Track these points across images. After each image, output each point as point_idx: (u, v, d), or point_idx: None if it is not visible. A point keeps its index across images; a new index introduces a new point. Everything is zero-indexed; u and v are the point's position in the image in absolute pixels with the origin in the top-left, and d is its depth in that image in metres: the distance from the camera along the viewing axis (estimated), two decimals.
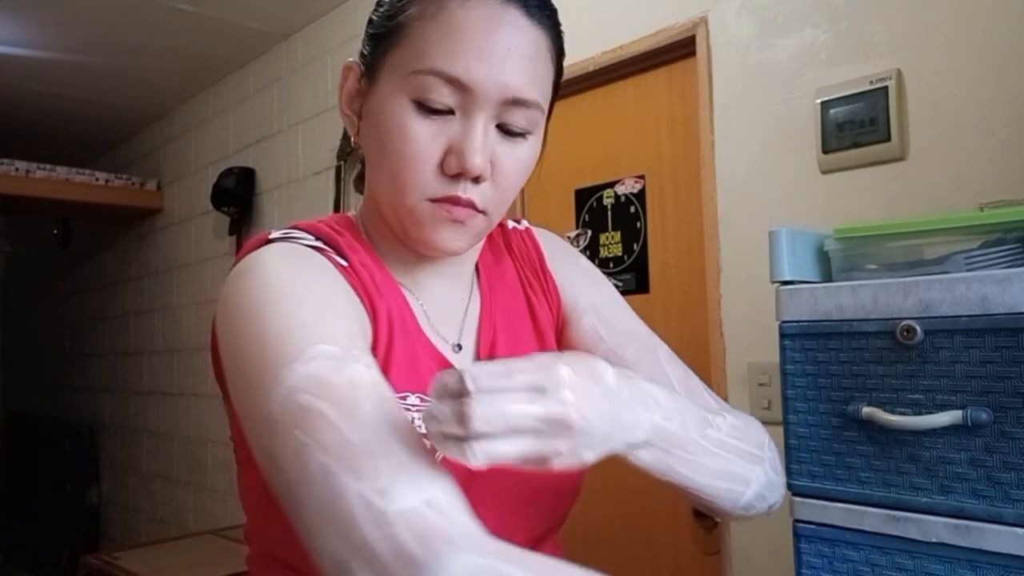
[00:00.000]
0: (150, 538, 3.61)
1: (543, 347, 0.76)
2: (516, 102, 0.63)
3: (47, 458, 4.56)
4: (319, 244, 0.66)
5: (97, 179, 3.66)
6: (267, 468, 0.52)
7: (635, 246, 1.89)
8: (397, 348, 0.65)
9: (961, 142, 1.32)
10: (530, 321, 0.77)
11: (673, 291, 1.80)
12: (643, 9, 1.80)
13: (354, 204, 2.59)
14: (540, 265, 0.81)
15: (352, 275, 0.65)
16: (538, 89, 0.64)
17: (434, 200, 0.63)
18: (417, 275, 0.72)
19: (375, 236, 0.72)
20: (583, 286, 0.81)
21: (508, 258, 0.81)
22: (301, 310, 0.57)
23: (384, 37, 0.66)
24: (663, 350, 0.78)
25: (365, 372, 0.53)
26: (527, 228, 0.84)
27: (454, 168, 0.62)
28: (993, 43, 1.29)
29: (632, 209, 1.90)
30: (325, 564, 0.46)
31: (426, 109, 0.62)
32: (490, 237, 0.81)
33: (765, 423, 1.27)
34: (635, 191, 1.89)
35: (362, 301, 0.64)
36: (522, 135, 0.65)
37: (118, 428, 4.19)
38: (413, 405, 0.63)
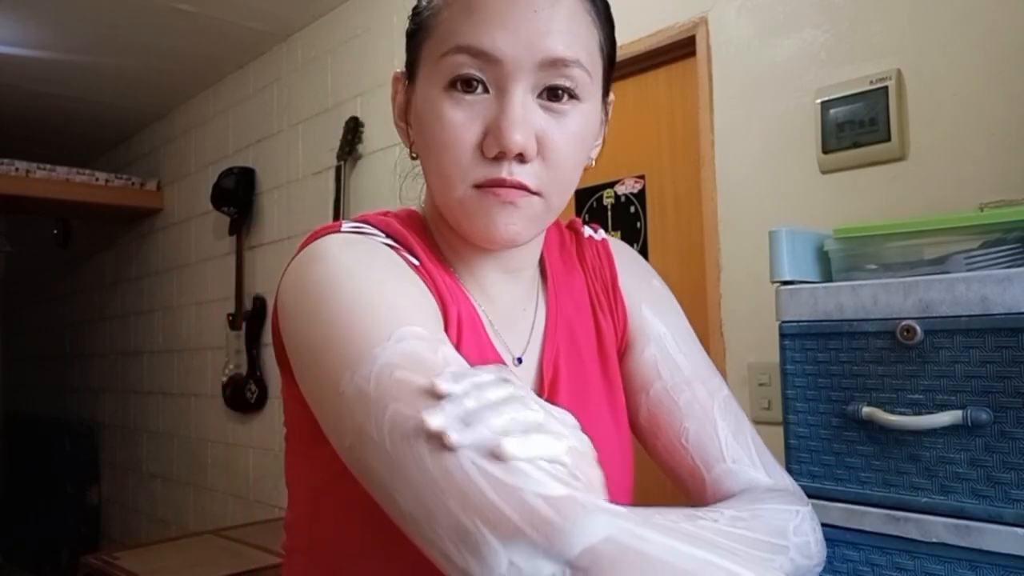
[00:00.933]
0: (150, 538, 3.61)
1: (606, 370, 0.74)
2: (552, 63, 0.58)
3: (47, 458, 4.56)
4: (390, 242, 0.63)
5: (97, 179, 3.66)
6: (354, 446, 0.49)
7: (635, 246, 1.89)
8: (466, 353, 0.61)
9: (961, 142, 1.32)
10: (595, 341, 0.74)
11: (673, 291, 1.80)
12: (643, 9, 1.80)
13: (354, 204, 2.59)
14: (612, 282, 0.77)
15: (424, 274, 0.63)
16: (577, 46, 0.59)
17: (479, 186, 0.60)
18: (480, 278, 0.69)
19: (437, 236, 0.69)
20: (652, 313, 0.77)
21: (579, 270, 0.77)
22: (385, 294, 0.55)
23: (416, 34, 0.64)
24: (719, 398, 0.73)
25: (456, 354, 0.52)
26: (604, 240, 0.80)
27: (493, 148, 0.58)
28: (993, 43, 1.29)
29: (632, 209, 1.90)
30: (441, 536, 0.44)
31: (459, 91, 0.59)
32: (562, 243, 0.78)
33: (765, 423, 1.28)
34: (635, 191, 1.89)
35: (435, 298, 0.62)
36: (569, 102, 0.60)
37: (118, 428, 4.19)
38: None
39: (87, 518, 4.26)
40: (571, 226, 0.80)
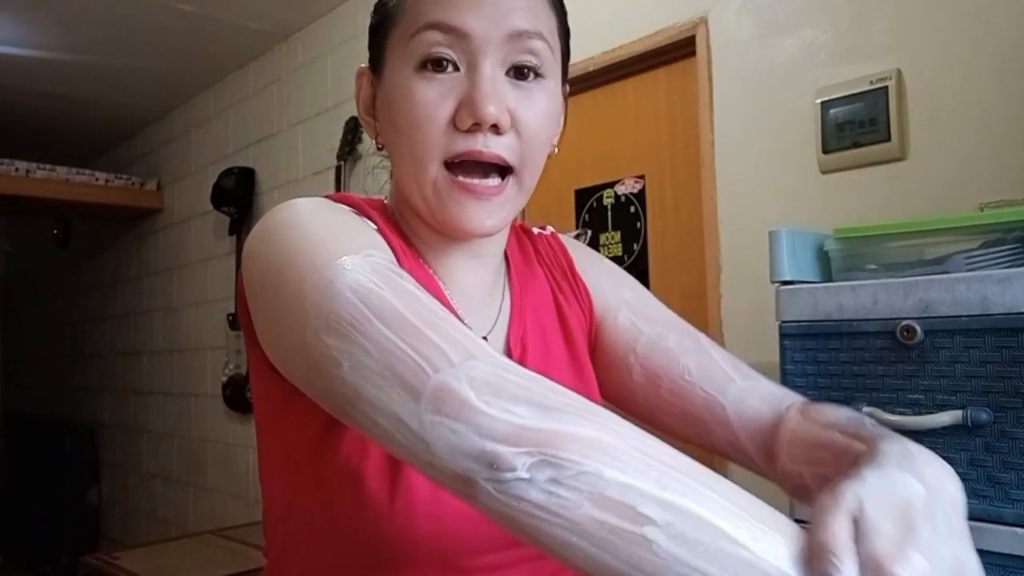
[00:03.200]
0: (150, 538, 3.61)
1: (573, 356, 0.74)
2: (518, 35, 0.60)
3: (47, 458, 4.56)
4: (350, 209, 0.64)
5: (97, 179, 3.66)
6: (317, 334, 0.49)
7: (635, 246, 1.89)
8: None
9: (961, 142, 1.32)
10: (559, 325, 0.76)
11: (673, 291, 1.80)
12: (643, 9, 1.80)
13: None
14: (569, 268, 0.79)
15: (384, 240, 0.63)
16: (540, 20, 0.62)
17: (453, 163, 0.60)
18: (448, 264, 0.69)
19: (404, 227, 0.70)
20: (612, 284, 0.79)
21: (537, 263, 0.79)
22: (347, 228, 0.56)
23: (381, 24, 0.66)
24: (703, 336, 0.76)
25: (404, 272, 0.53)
26: (552, 233, 0.82)
27: (467, 120, 0.59)
28: (993, 43, 1.29)
29: (632, 209, 1.90)
30: (381, 422, 0.45)
31: (429, 69, 0.60)
32: (519, 242, 0.79)
33: None
34: (635, 191, 1.89)
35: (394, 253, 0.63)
36: (535, 80, 0.62)
37: (118, 428, 4.19)
38: None
39: (87, 518, 4.25)
40: (522, 228, 0.83)
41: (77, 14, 2.73)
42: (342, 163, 2.58)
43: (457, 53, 0.59)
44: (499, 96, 0.59)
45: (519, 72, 0.61)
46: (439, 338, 0.46)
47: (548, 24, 0.63)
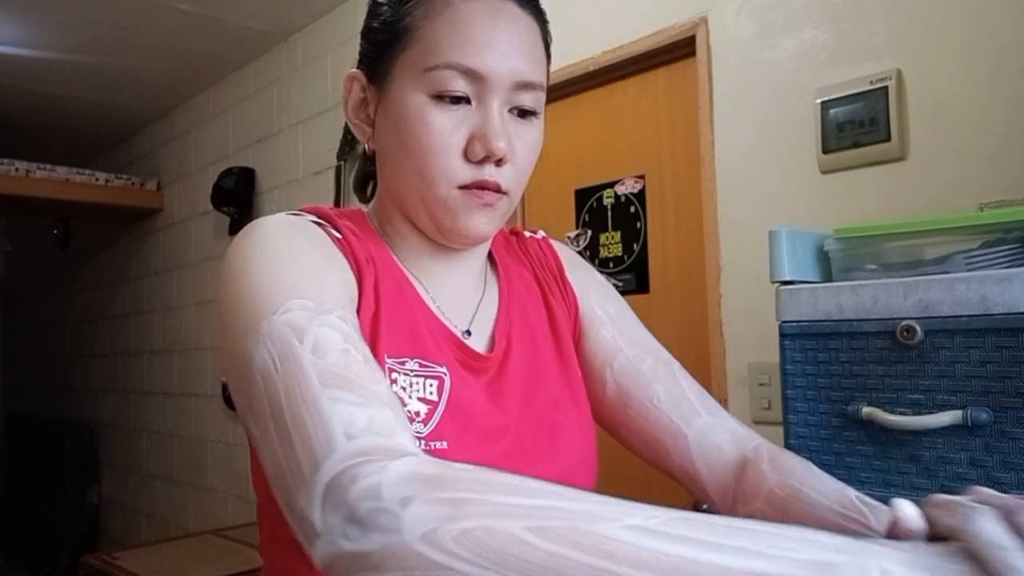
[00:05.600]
0: (150, 538, 3.61)
1: (560, 349, 0.77)
2: (525, 85, 0.67)
3: (47, 458, 4.56)
4: (318, 220, 0.68)
5: (97, 179, 3.66)
6: (242, 411, 0.54)
7: (635, 246, 1.89)
8: (392, 314, 0.67)
9: (961, 142, 1.32)
10: (548, 323, 0.79)
11: (673, 291, 1.80)
12: (643, 9, 1.80)
13: (354, 204, 2.59)
14: (559, 272, 0.83)
15: (344, 245, 0.67)
16: (539, 71, 0.69)
17: (463, 188, 0.66)
18: (431, 268, 0.73)
19: (389, 231, 0.74)
20: (599, 297, 0.83)
21: (526, 263, 0.83)
22: (283, 270, 0.60)
23: (391, 42, 0.69)
24: (676, 365, 0.79)
25: (337, 321, 0.55)
26: (544, 237, 0.86)
27: (479, 153, 0.65)
28: (993, 43, 1.29)
29: (632, 209, 1.90)
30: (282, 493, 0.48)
31: (444, 101, 0.65)
32: (507, 243, 0.84)
33: (765, 423, 1.28)
34: (635, 191, 1.89)
35: (351, 267, 0.66)
36: (532, 116, 0.69)
37: (118, 428, 4.19)
38: (412, 370, 0.65)
39: (87, 518, 4.25)
40: (512, 231, 0.86)
41: (77, 14, 2.73)
42: (342, 163, 2.58)
43: (471, 89, 0.65)
44: (506, 133, 0.66)
45: (520, 112, 0.68)
46: (299, 444, 0.48)
47: (543, 67, 0.70)
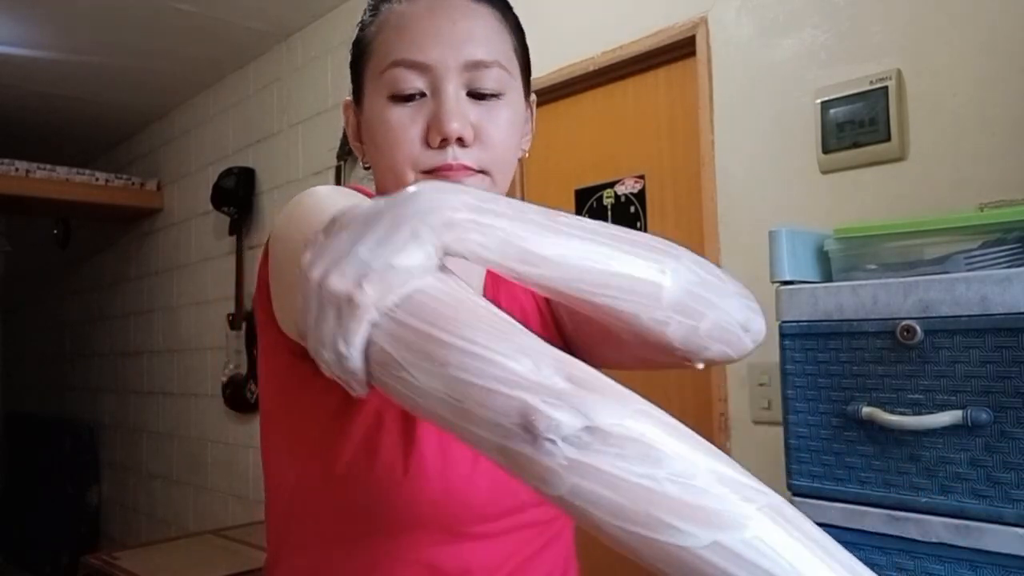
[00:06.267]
0: (150, 538, 3.61)
1: (544, 326, 0.78)
2: (475, 64, 0.67)
3: (47, 458, 4.56)
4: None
5: (97, 179, 3.66)
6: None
7: None
8: None
9: (961, 142, 1.32)
10: (534, 300, 0.80)
11: None
12: (643, 9, 1.80)
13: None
14: None
15: None
16: (494, 51, 0.69)
17: (428, 172, 0.67)
18: None
19: None
20: None
21: None
22: (351, 203, 0.59)
23: (357, 60, 0.72)
24: None
25: None
26: None
27: (436, 138, 0.66)
28: (993, 43, 1.29)
29: (632, 209, 1.90)
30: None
31: (400, 98, 0.67)
32: None
33: (765, 423, 1.27)
34: (635, 191, 1.89)
35: None
36: (495, 96, 0.68)
37: (118, 428, 4.19)
38: None
39: (87, 518, 4.25)
40: None
41: (77, 14, 2.73)
42: (342, 163, 2.58)
43: (423, 82, 0.67)
44: (462, 114, 0.66)
45: (479, 94, 0.68)
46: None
47: (503, 48, 0.70)
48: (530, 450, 0.39)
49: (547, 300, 0.81)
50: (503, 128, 0.69)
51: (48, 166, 3.49)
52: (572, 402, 0.39)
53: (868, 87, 1.40)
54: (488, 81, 0.68)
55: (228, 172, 3.17)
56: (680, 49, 1.76)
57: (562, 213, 0.52)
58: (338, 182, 2.56)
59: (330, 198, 0.61)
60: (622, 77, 1.91)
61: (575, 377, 0.41)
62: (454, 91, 0.66)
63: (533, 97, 0.77)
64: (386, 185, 0.70)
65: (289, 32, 2.95)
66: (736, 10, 1.63)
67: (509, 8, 0.74)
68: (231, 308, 3.12)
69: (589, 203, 1.98)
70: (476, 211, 0.47)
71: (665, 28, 1.75)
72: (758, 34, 1.60)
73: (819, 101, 1.47)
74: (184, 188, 3.68)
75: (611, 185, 1.94)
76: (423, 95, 0.67)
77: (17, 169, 3.40)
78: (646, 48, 1.79)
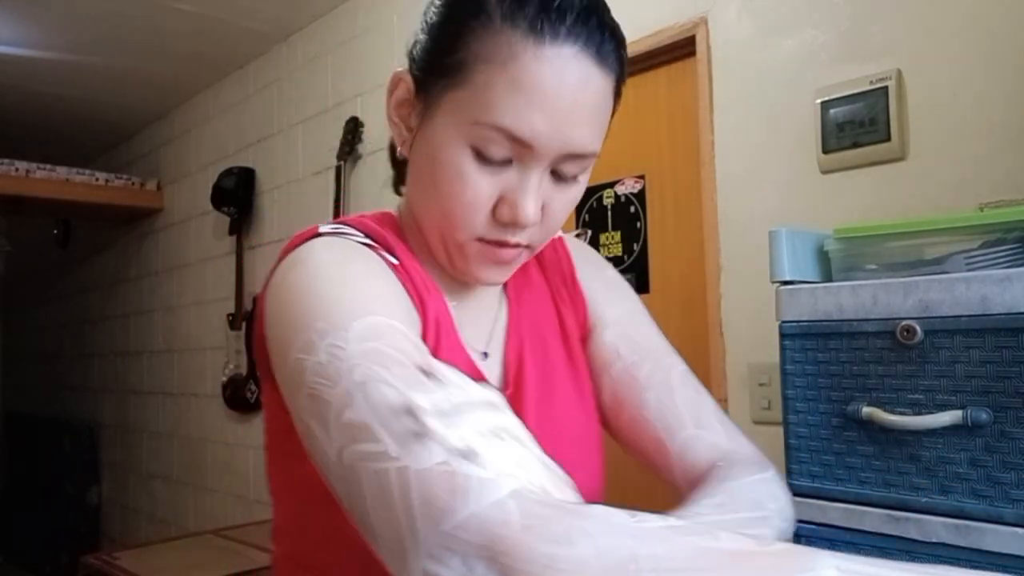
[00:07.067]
0: (150, 538, 3.61)
1: (571, 358, 0.76)
2: (573, 156, 0.62)
3: (47, 458, 4.56)
4: (369, 242, 0.66)
5: (97, 179, 3.66)
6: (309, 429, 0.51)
7: (635, 246, 1.89)
8: (442, 351, 0.65)
9: (961, 142, 1.32)
10: (559, 330, 0.77)
11: (673, 291, 1.80)
12: (643, 9, 1.80)
13: (354, 204, 2.59)
14: (570, 276, 0.81)
15: (403, 273, 0.65)
16: (596, 140, 0.63)
17: (483, 240, 0.64)
18: (452, 283, 0.72)
19: (414, 244, 0.72)
20: (609, 299, 0.81)
21: (538, 268, 0.80)
22: (361, 290, 0.57)
23: (444, 72, 0.62)
24: (677, 371, 0.76)
25: (416, 338, 0.54)
26: (559, 237, 0.83)
27: (507, 218, 0.62)
28: (993, 43, 1.29)
29: (632, 209, 1.90)
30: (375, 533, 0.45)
31: (485, 159, 0.61)
32: None
33: (765, 423, 1.27)
34: (635, 191, 1.89)
35: (412, 299, 0.64)
36: (574, 179, 0.65)
37: (118, 428, 4.19)
38: None
39: (87, 518, 4.25)
40: None
41: (77, 14, 2.73)
42: (342, 163, 2.58)
43: (515, 152, 0.61)
44: (539, 200, 0.63)
45: (562, 176, 0.64)
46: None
47: (600, 133, 0.64)
48: None
49: (583, 334, 0.79)
50: (568, 207, 0.66)
51: (48, 166, 3.49)
52: None
53: (868, 87, 1.40)
54: (576, 170, 0.64)
55: (228, 172, 3.17)
56: (680, 49, 1.76)
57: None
58: (338, 182, 2.56)
59: (322, 280, 0.58)
60: None
61: (508, 569, 0.38)
62: (540, 175, 0.62)
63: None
64: (429, 220, 0.66)
65: (289, 32, 2.95)
66: (736, 10, 1.63)
67: (625, 68, 0.65)
68: (231, 308, 3.12)
69: (589, 203, 1.98)
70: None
71: (665, 28, 1.75)
72: (758, 34, 1.60)
73: (819, 101, 1.47)
74: (184, 188, 3.68)
75: (611, 185, 1.94)
76: (510, 163, 0.61)
77: (17, 169, 3.40)
78: (646, 48, 1.79)
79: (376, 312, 0.54)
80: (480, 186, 0.61)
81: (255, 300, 3.04)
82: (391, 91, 0.68)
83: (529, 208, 0.61)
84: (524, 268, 0.79)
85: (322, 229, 0.65)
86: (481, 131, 0.59)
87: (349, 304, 0.54)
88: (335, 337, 0.51)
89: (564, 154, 0.61)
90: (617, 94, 0.65)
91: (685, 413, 0.72)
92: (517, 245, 0.65)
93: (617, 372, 0.76)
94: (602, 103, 0.62)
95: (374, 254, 0.64)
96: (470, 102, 0.60)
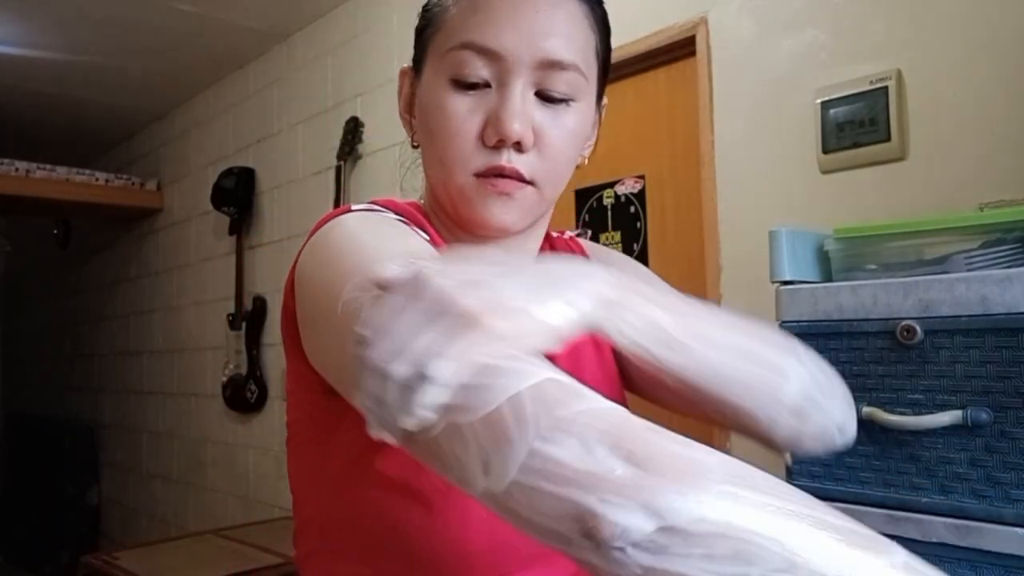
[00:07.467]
0: (150, 538, 3.61)
1: (598, 349, 0.75)
2: (551, 64, 0.61)
3: (47, 458, 4.56)
4: (401, 219, 0.65)
5: (97, 179, 3.66)
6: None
7: (635, 246, 1.89)
8: None
9: (961, 142, 1.32)
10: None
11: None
12: (643, 9, 1.80)
13: (356, 203, 2.59)
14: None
15: (435, 247, 0.65)
16: (574, 51, 0.63)
17: (479, 175, 0.63)
18: None
19: (438, 225, 0.71)
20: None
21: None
22: (399, 243, 0.57)
23: (424, 29, 0.67)
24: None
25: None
26: (572, 236, 0.84)
27: (493, 137, 0.61)
28: (993, 43, 1.29)
29: (632, 209, 1.90)
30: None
31: (463, 85, 0.62)
32: (549, 246, 0.81)
33: None
34: (635, 191, 1.89)
35: None
36: (564, 101, 0.63)
37: (118, 428, 4.19)
38: None
39: (87, 518, 4.26)
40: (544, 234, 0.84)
41: (77, 14, 2.73)
42: (342, 163, 2.58)
43: (489, 71, 0.61)
44: (525, 115, 0.61)
45: (548, 97, 0.63)
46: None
47: (585, 47, 0.64)
48: (596, 559, 0.33)
49: None
50: (566, 137, 0.64)
51: (48, 166, 3.49)
52: (638, 497, 0.32)
53: (868, 87, 1.40)
54: (561, 84, 0.62)
55: (228, 172, 3.17)
56: (680, 49, 1.76)
57: (694, 300, 0.51)
58: (338, 182, 2.56)
59: (363, 234, 0.57)
60: (622, 77, 1.90)
61: (635, 455, 0.34)
62: (521, 88, 0.61)
63: (605, 100, 0.72)
64: (435, 175, 0.66)
65: (289, 32, 2.95)
66: (736, 10, 1.63)
67: (599, 2, 0.67)
68: (231, 308, 3.12)
69: (589, 203, 1.98)
70: (625, 289, 0.44)
71: (665, 28, 1.75)
72: (758, 34, 1.60)
73: (819, 101, 1.47)
74: (184, 188, 3.68)
75: (611, 185, 1.94)
76: (487, 85, 0.61)
77: (17, 169, 3.40)
78: (646, 48, 1.79)
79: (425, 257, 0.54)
80: (461, 112, 0.62)
81: (255, 300, 3.04)
82: (400, 89, 0.71)
83: (512, 119, 0.60)
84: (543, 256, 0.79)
85: (354, 207, 0.65)
86: (453, 56, 0.62)
87: (400, 250, 0.53)
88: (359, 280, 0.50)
89: (538, 61, 0.61)
90: (599, 28, 0.66)
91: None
92: (516, 174, 0.62)
93: None
94: (571, 19, 0.63)
95: (408, 227, 0.64)
96: (443, 39, 0.63)
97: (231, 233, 3.16)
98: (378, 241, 0.56)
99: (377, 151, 2.54)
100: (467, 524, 0.57)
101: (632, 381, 0.77)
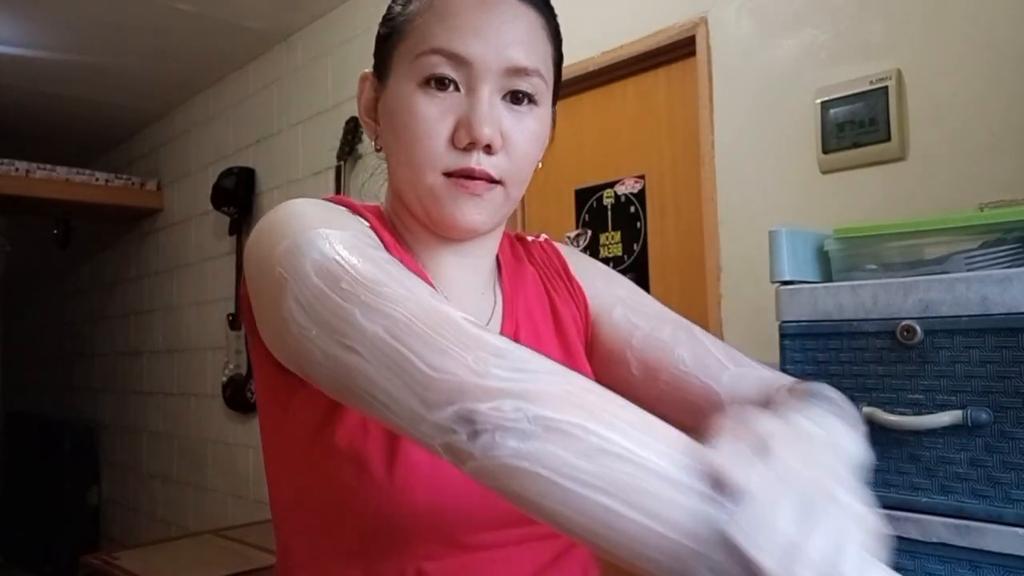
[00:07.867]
0: (150, 538, 3.61)
1: (564, 345, 0.77)
2: (517, 71, 0.65)
3: (47, 458, 4.56)
4: (344, 209, 0.68)
5: (97, 179, 3.66)
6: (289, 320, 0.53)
7: (635, 246, 1.89)
8: None
9: (961, 142, 1.32)
10: (552, 320, 0.78)
11: (673, 292, 1.80)
12: (643, 9, 1.80)
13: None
14: (564, 270, 0.82)
15: (375, 234, 0.67)
16: (536, 59, 0.67)
17: (449, 175, 0.65)
18: (443, 265, 0.73)
19: (400, 227, 0.73)
20: (606, 284, 0.82)
21: (529, 265, 0.82)
22: (327, 218, 0.60)
23: (390, 36, 0.69)
24: (696, 328, 0.78)
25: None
26: (547, 240, 0.86)
27: (464, 140, 0.64)
28: (993, 43, 1.29)
29: (632, 209, 1.90)
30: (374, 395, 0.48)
31: (432, 88, 0.65)
32: (512, 247, 0.83)
33: None
34: (635, 191, 1.89)
35: None
36: (528, 105, 0.67)
37: (118, 428, 4.19)
38: None
39: (87, 518, 4.25)
40: (517, 236, 0.86)
41: (77, 14, 2.73)
42: (342, 163, 2.58)
43: (459, 76, 0.65)
44: (494, 119, 0.65)
45: (514, 98, 0.67)
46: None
47: (544, 56, 0.68)
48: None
49: (587, 322, 0.80)
50: (530, 139, 0.67)
51: (48, 166, 3.49)
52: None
53: (868, 87, 1.40)
54: (525, 86, 0.66)
55: (228, 172, 3.17)
56: (680, 49, 1.76)
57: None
58: (338, 182, 2.56)
59: (306, 211, 0.60)
60: (622, 77, 1.91)
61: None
62: (488, 94, 0.64)
63: (554, 110, 0.76)
64: (401, 177, 0.68)
65: (289, 32, 2.95)
66: (736, 10, 1.63)
67: (554, 16, 0.72)
68: (231, 308, 3.12)
69: (589, 203, 1.98)
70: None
71: (665, 28, 1.75)
72: (758, 34, 1.60)
73: (819, 101, 1.47)
74: (184, 188, 3.68)
75: (611, 185, 1.94)
76: (456, 88, 0.65)
77: (17, 169, 3.40)
78: (646, 48, 1.79)
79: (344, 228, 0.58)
80: (432, 114, 0.64)
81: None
82: (359, 95, 0.74)
83: (483, 123, 0.63)
84: (517, 262, 0.81)
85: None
86: (423, 61, 0.65)
87: (339, 225, 0.58)
88: (294, 240, 0.55)
89: (505, 68, 0.65)
90: (553, 38, 0.71)
91: (721, 356, 0.74)
92: (486, 176, 0.65)
93: (640, 341, 0.77)
94: (532, 29, 0.67)
95: (349, 212, 0.67)
96: (412, 46, 0.66)
97: (231, 233, 3.16)
98: (320, 215, 0.60)
99: (375, 152, 2.54)
100: (413, 487, 0.60)
101: (632, 395, 0.78)
